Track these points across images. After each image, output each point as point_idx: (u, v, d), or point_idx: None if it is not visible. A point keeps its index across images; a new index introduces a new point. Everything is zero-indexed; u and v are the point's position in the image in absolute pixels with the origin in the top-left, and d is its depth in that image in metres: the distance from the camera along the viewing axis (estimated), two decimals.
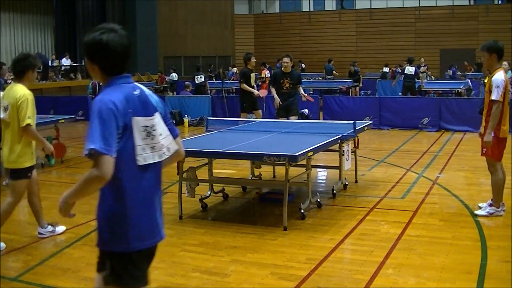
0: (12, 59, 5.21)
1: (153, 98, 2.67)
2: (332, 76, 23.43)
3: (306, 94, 9.92)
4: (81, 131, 14.36)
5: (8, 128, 4.96)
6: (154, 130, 2.59)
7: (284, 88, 9.35)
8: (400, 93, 16.49)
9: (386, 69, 24.68)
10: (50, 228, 5.37)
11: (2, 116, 4.92)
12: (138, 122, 2.52)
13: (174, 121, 14.71)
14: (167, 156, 2.68)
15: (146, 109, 2.58)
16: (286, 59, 9.32)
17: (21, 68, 4.99)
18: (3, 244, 5.10)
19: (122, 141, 2.47)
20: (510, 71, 12.10)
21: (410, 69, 16.75)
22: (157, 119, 2.62)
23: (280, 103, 9.30)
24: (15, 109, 4.86)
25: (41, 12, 26.17)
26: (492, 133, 5.71)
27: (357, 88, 20.55)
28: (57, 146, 7.29)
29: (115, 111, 2.42)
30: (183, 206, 6.12)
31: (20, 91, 4.91)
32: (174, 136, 2.75)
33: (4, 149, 5.00)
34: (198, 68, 19.87)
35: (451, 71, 23.84)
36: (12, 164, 4.93)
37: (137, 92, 2.58)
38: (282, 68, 9.42)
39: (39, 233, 5.32)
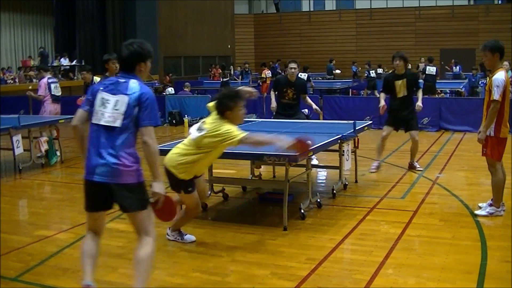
0: (221, 93, 4.85)
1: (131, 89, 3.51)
2: (333, 76, 23.39)
3: (316, 107, 8.52)
4: None
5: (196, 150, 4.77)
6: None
7: (286, 99, 8.26)
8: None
9: (380, 70, 24.66)
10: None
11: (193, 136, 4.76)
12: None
13: (174, 121, 15.03)
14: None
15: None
16: (292, 65, 8.16)
17: (227, 108, 4.71)
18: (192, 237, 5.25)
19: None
20: (510, 71, 12.10)
21: (431, 69, 16.48)
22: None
23: (277, 110, 8.35)
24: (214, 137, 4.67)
25: (41, 12, 26.18)
26: (490, 133, 5.72)
27: (376, 92, 19.64)
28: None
29: None
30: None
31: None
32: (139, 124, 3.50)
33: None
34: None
35: (457, 68, 23.59)
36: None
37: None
38: (288, 76, 8.22)
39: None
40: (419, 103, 8.26)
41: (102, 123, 3.52)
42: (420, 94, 8.32)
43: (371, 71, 20.64)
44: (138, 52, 3.62)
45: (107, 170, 3.45)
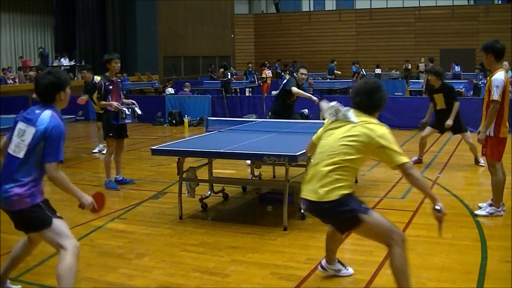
0: (371, 89, 3.75)
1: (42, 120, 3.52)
2: (334, 76, 23.36)
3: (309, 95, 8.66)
4: (81, 131, 14.37)
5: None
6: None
7: (291, 100, 8.52)
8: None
9: (378, 70, 24.68)
10: (338, 265, 4.39)
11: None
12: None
13: (174, 121, 15.01)
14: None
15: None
16: (303, 71, 8.48)
17: (375, 108, 3.77)
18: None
19: None
20: (510, 71, 12.09)
21: None
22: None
23: (277, 111, 8.54)
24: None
25: (41, 12, 26.18)
26: (489, 133, 5.71)
27: None
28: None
29: None
30: (183, 206, 6.12)
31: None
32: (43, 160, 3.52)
33: None
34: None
35: (458, 67, 23.43)
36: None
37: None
38: (297, 80, 8.43)
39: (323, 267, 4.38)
40: (449, 121, 8.44)
41: (11, 152, 3.58)
42: (454, 107, 8.48)
43: (362, 70, 20.73)
44: (55, 82, 3.62)
45: (5, 198, 3.51)
